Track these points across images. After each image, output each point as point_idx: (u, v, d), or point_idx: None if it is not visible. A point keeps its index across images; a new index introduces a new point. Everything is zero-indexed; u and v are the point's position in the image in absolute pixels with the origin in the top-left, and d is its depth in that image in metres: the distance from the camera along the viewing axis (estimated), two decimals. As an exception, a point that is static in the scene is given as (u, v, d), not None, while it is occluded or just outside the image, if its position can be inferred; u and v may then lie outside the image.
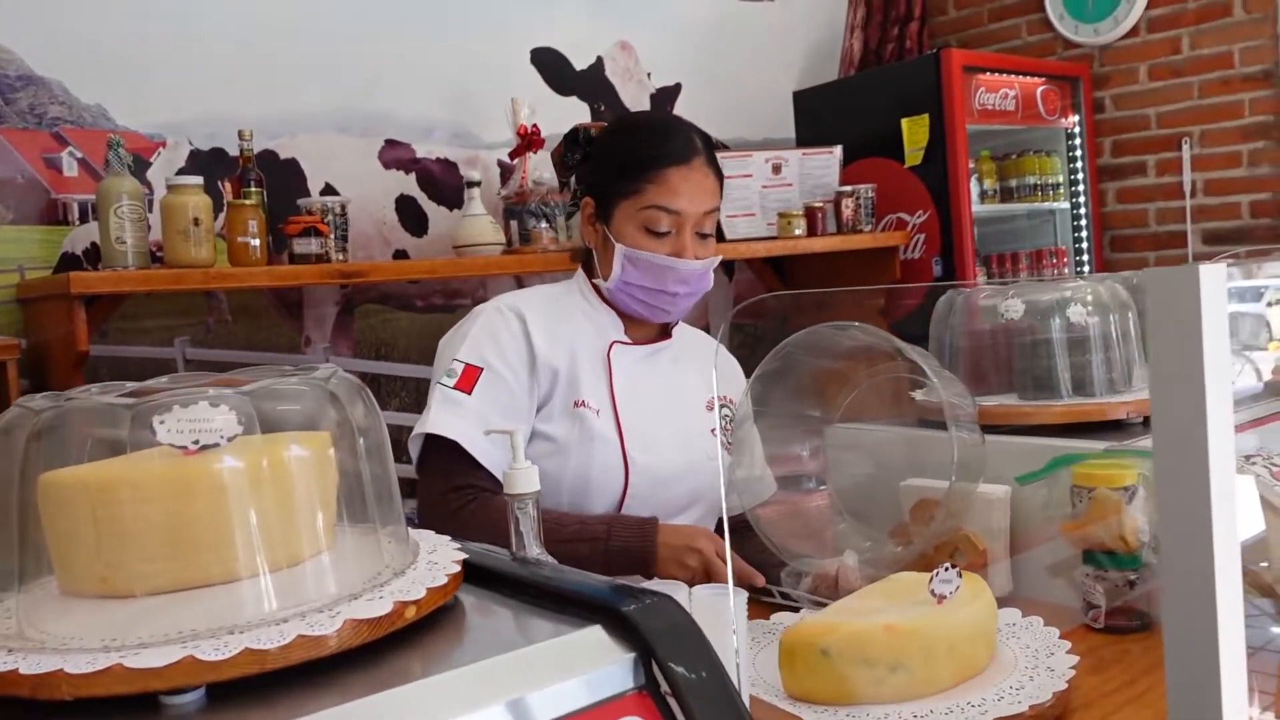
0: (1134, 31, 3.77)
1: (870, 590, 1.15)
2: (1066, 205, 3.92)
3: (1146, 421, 1.47)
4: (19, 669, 0.66)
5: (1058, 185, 3.88)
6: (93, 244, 2.50)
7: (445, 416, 1.45)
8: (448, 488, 1.44)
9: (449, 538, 0.92)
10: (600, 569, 1.35)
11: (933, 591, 1.06)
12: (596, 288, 1.62)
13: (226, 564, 0.77)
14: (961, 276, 3.48)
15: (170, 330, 2.68)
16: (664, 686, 0.72)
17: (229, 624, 0.71)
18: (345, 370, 0.90)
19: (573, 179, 1.98)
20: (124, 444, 0.76)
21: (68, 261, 2.52)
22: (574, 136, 1.75)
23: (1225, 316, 0.51)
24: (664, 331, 1.66)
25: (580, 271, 1.67)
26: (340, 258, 2.58)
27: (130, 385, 0.88)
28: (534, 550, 0.98)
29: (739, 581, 1.32)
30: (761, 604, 1.36)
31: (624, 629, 0.74)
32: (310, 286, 2.80)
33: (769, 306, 3.77)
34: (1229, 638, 0.54)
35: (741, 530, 1.48)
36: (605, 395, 1.54)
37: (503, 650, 0.73)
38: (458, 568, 0.84)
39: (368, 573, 0.81)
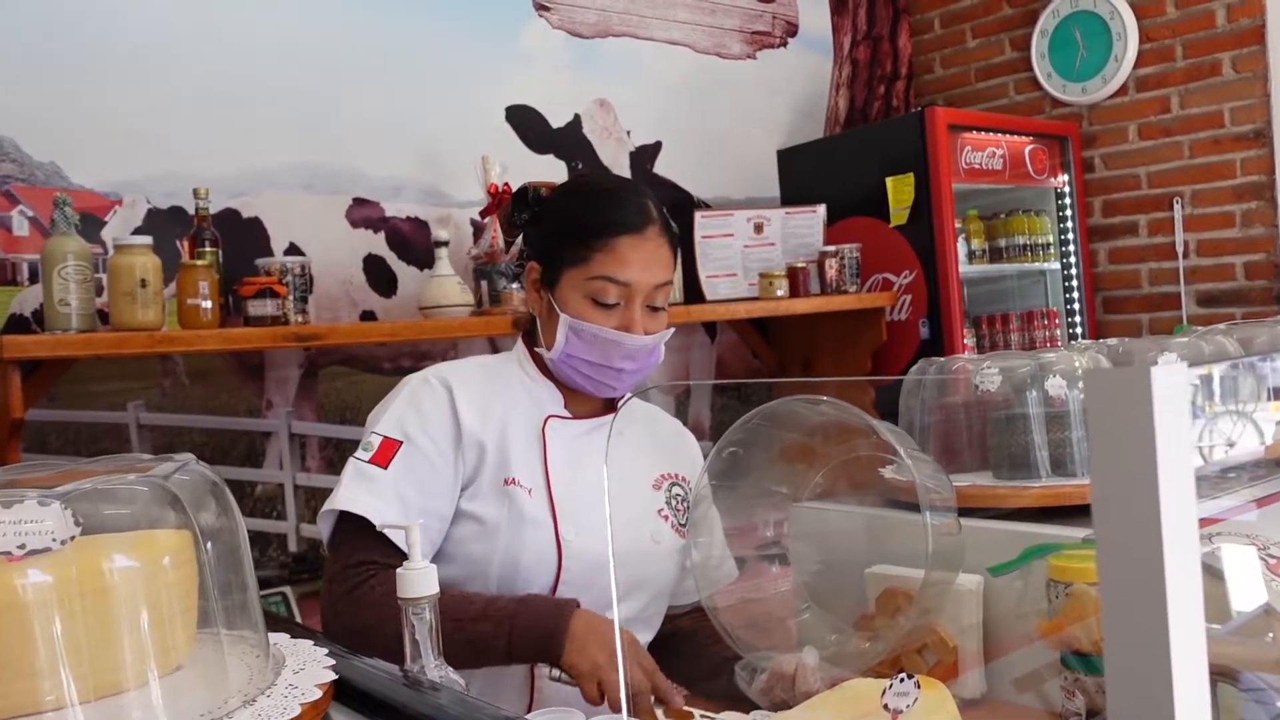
0: (1123, 90, 3.71)
1: (819, 701, 1.03)
2: (1058, 266, 3.83)
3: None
4: None
5: (1048, 245, 3.80)
6: (41, 305, 2.40)
7: (356, 492, 1.34)
8: (347, 564, 1.33)
9: (324, 651, 0.81)
10: (503, 653, 1.24)
11: (886, 706, 0.94)
12: (537, 358, 1.51)
13: (37, 692, 0.66)
14: (949, 338, 3.38)
15: (123, 394, 2.58)
16: None
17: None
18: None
19: (519, 240, 1.88)
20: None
21: (16, 323, 2.42)
22: (522, 195, 1.66)
23: (1185, 428, 0.41)
24: (608, 405, 1.54)
25: (520, 342, 1.56)
26: (300, 319, 2.48)
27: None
28: (431, 663, 0.86)
29: (657, 697, 1.20)
30: (706, 701, 1.24)
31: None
32: (269, 349, 2.70)
33: (756, 369, 3.68)
34: None
35: (690, 619, 1.37)
36: (539, 473, 1.42)
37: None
38: (319, 693, 0.72)
39: (209, 702, 0.69)
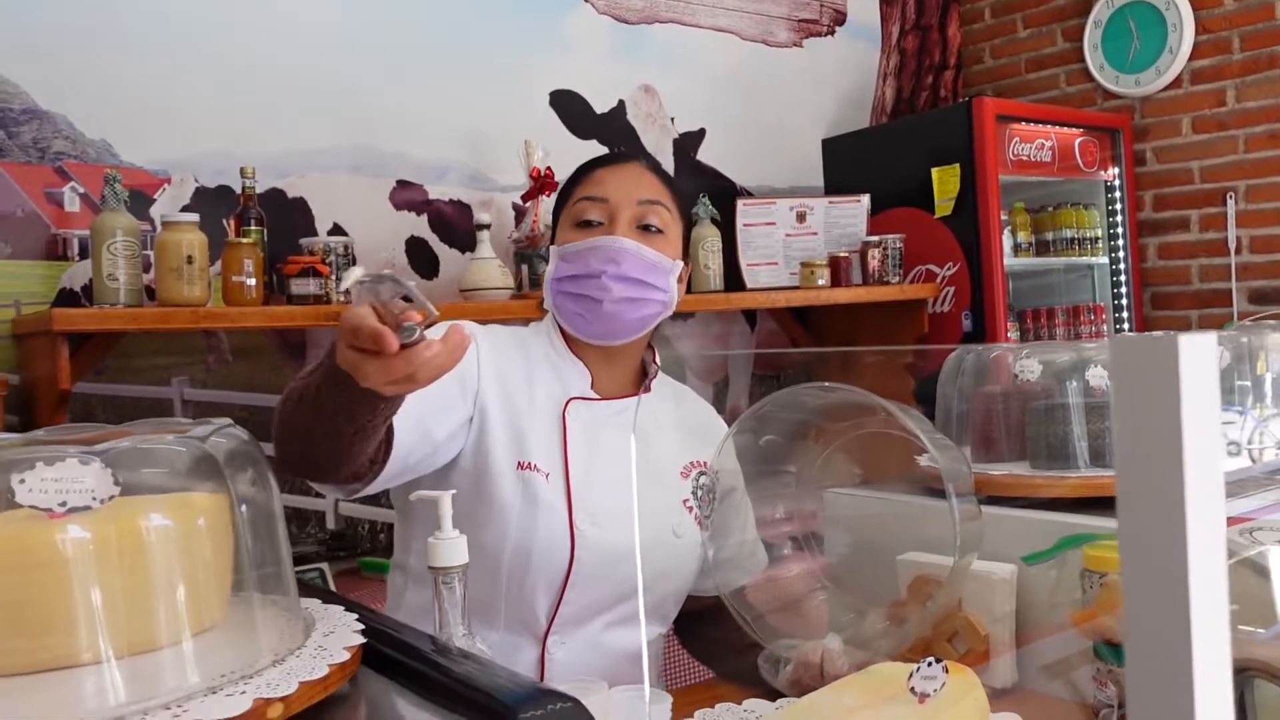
0: (1177, 83, 3.64)
1: (846, 683, 1.03)
2: (1105, 260, 3.77)
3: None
4: None
5: (1096, 239, 3.74)
6: (91, 280, 2.45)
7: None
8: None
9: (354, 616, 0.82)
10: (325, 368, 1.03)
11: (913, 689, 0.94)
12: (566, 337, 1.45)
13: (74, 647, 0.67)
14: (992, 331, 3.34)
15: (167, 370, 2.62)
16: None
17: (73, 716, 0.62)
18: None
19: None
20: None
21: (66, 297, 2.47)
22: None
23: (1215, 401, 0.40)
24: (638, 385, 1.48)
25: (550, 319, 1.49)
26: (340, 299, 2.50)
27: (9, 437, 0.80)
28: (459, 632, 0.87)
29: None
30: (729, 686, 1.24)
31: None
32: (311, 328, 2.73)
33: (792, 359, 3.66)
34: None
35: (715, 609, 1.34)
36: (558, 458, 1.36)
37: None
38: (347, 655, 0.73)
39: (239, 660, 0.70)
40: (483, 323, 1.44)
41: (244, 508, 0.75)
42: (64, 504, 0.69)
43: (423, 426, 1.26)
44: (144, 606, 0.69)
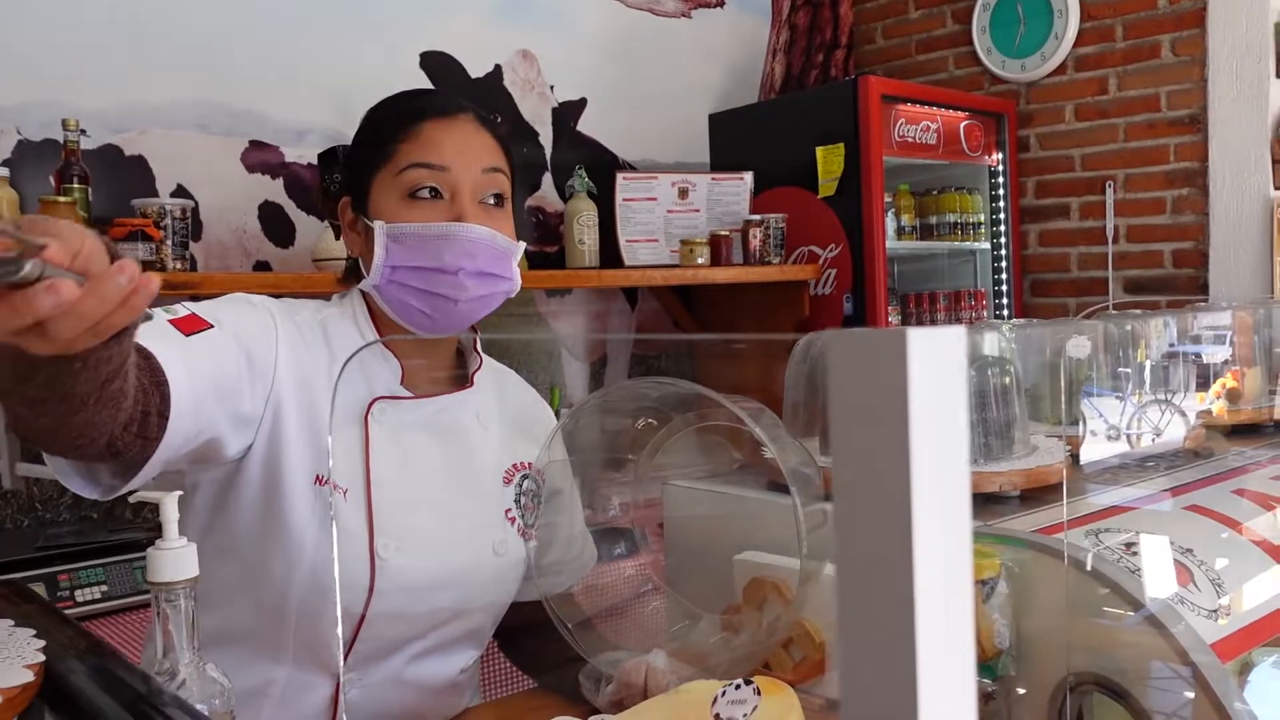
0: (1061, 69, 3.63)
1: (652, 706, 0.92)
2: (988, 246, 3.76)
3: (1025, 496, 1.27)
4: None
5: (979, 225, 3.72)
6: (-109, 239, 2.22)
7: (146, 336, 0.97)
8: None
9: (33, 633, 0.68)
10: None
11: (717, 716, 0.84)
12: (375, 315, 1.24)
13: None
14: (873, 315, 3.30)
15: (-15, 339, 2.40)
16: None
17: None
18: None
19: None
20: None
21: None
22: (332, 155, 1.42)
23: (963, 407, 0.30)
24: (461, 379, 1.30)
25: (358, 297, 1.26)
26: (179, 266, 2.32)
27: None
28: (185, 659, 0.74)
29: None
30: (550, 697, 1.13)
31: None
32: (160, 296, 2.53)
33: (675, 342, 3.57)
34: None
35: (534, 620, 1.21)
36: (358, 471, 1.16)
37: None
38: (21, 685, 0.60)
39: None
40: (279, 298, 1.25)
41: None
42: None
43: (212, 427, 1.08)
44: None
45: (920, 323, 3.57)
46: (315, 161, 2.86)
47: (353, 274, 1.28)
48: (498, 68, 3.24)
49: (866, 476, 0.30)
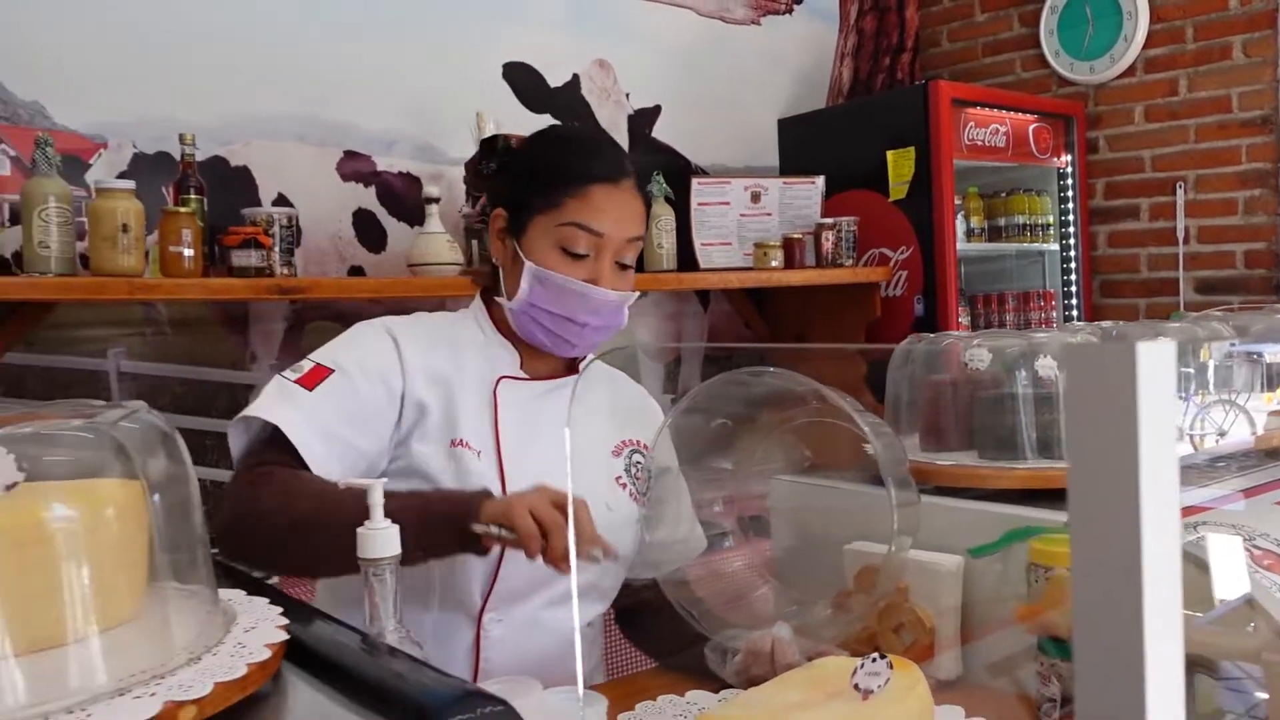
0: (1130, 71, 3.66)
1: (788, 678, 1.00)
2: (1056, 247, 3.80)
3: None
4: None
5: (1048, 226, 3.76)
6: (20, 247, 2.36)
7: (274, 404, 1.26)
8: (252, 466, 1.25)
9: (279, 610, 0.78)
10: (411, 533, 1.01)
11: (856, 685, 0.92)
12: (496, 315, 1.45)
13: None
14: (944, 315, 3.35)
15: (104, 341, 2.54)
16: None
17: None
18: None
19: (483, 196, 1.77)
20: None
21: (-4, 265, 2.38)
22: (491, 144, 1.59)
23: (1170, 408, 0.38)
24: (569, 366, 1.48)
25: (478, 298, 1.49)
26: (285, 271, 2.44)
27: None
28: (390, 625, 0.84)
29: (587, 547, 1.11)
30: (674, 675, 1.22)
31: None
32: (251, 301, 2.67)
33: (748, 339, 3.64)
34: None
35: (653, 601, 1.33)
36: (489, 435, 1.36)
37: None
38: (268, 653, 0.70)
39: (150, 659, 0.66)
40: (436, 303, 1.40)
41: (156, 496, 0.70)
42: (-39, 491, 0.65)
43: (362, 460, 1.31)
44: (46, 601, 0.65)
45: (989, 324, 3.62)
46: (405, 170, 2.98)
47: (487, 281, 1.47)
48: (575, 77, 3.34)
49: (1101, 467, 0.37)
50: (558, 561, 1.09)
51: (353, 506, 0.95)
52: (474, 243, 2.77)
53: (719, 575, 1.36)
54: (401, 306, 2.92)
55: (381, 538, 0.85)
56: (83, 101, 2.49)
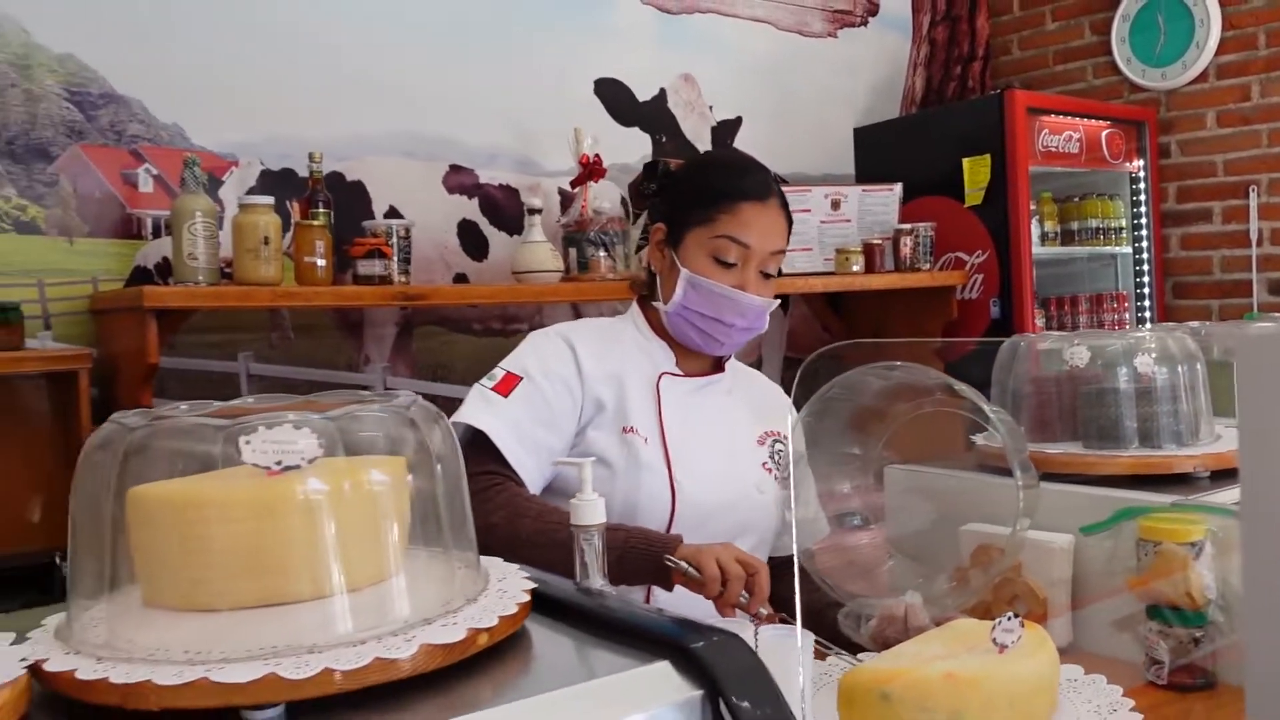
0: (1202, 77, 3.73)
1: (928, 636, 1.14)
2: (1129, 250, 3.88)
3: (1214, 476, 1.45)
4: (109, 678, 0.68)
5: (1120, 229, 3.84)
6: (164, 258, 2.56)
7: (478, 411, 1.49)
8: (472, 472, 1.44)
9: (517, 566, 0.93)
10: (613, 562, 1.24)
11: (994, 640, 1.05)
12: (652, 319, 1.65)
13: (306, 583, 0.78)
14: (1020, 318, 3.45)
15: (235, 345, 2.73)
16: (730, 725, 0.72)
17: (308, 643, 0.73)
18: (400, 389, 0.91)
19: (644, 213, 2.00)
20: (214, 461, 0.78)
21: (139, 275, 2.58)
22: (653, 168, 1.76)
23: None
24: (716, 365, 1.67)
25: (635, 304, 1.69)
26: (403, 280, 2.62)
27: (216, 405, 0.90)
28: (597, 581, 0.99)
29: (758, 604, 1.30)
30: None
31: (692, 666, 0.75)
32: (371, 307, 2.85)
33: (825, 342, 3.76)
34: None
35: (787, 574, 1.48)
36: (654, 424, 1.55)
37: (571, 682, 0.74)
38: (527, 597, 0.85)
39: (441, 598, 0.82)
40: (534, 309, 1.57)
41: (439, 467, 0.86)
42: (279, 463, 0.81)
43: (552, 456, 1.52)
44: (360, 550, 0.81)
45: (1062, 326, 3.71)
46: (505, 182, 3.15)
47: (642, 289, 1.67)
48: (662, 91, 3.49)
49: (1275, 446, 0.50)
50: (725, 607, 1.28)
51: (565, 529, 1.14)
52: (572, 250, 2.92)
53: (849, 551, 1.50)
54: (504, 312, 3.10)
55: (590, 507, 1.00)
56: (217, 123, 2.69)
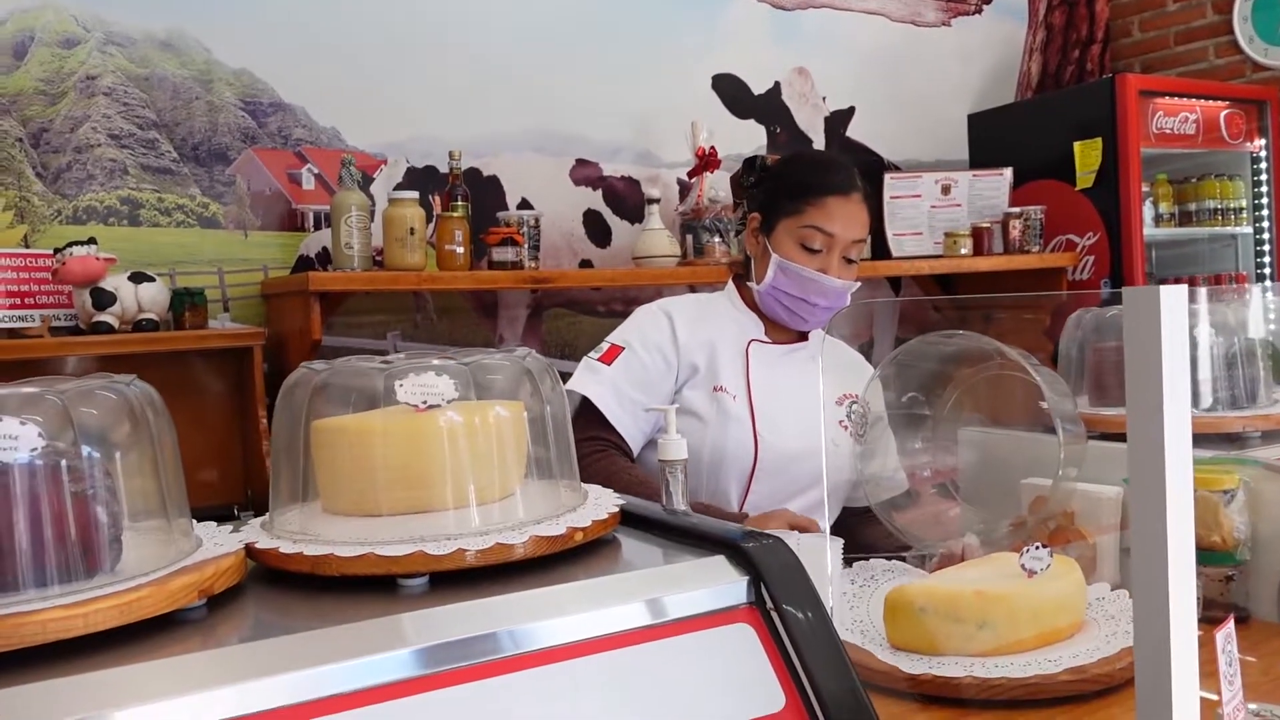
0: (1327, 54, 3.69)
1: (972, 564, 1.31)
2: (1250, 230, 3.86)
3: (1265, 436, 1.57)
4: (304, 551, 0.93)
5: (1240, 210, 3.83)
6: (324, 248, 2.88)
7: (585, 379, 1.74)
8: (580, 438, 1.64)
9: (609, 491, 1.15)
10: None
11: (1023, 566, 1.22)
12: (745, 295, 1.86)
13: (447, 495, 1.02)
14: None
15: (383, 325, 3.04)
16: (769, 604, 0.92)
17: (448, 533, 0.96)
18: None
19: (744, 202, 2.23)
20: (378, 399, 1.02)
21: (303, 263, 2.91)
22: (751, 163, 1.98)
23: (1183, 332, 0.68)
24: (800, 335, 1.87)
25: (731, 282, 1.92)
26: (533, 265, 2.87)
27: (379, 358, 1.15)
28: (680, 506, 1.20)
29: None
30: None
31: (742, 559, 0.95)
32: (505, 290, 3.12)
33: (933, 321, 3.88)
34: (1179, 608, 0.70)
35: (865, 517, 1.67)
36: (742, 383, 1.77)
37: (648, 566, 0.96)
38: (616, 509, 1.07)
39: (549, 508, 1.04)
40: (654, 291, 1.80)
41: (548, 408, 1.08)
42: (425, 402, 1.04)
43: (651, 416, 1.75)
44: (487, 470, 1.04)
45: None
46: (627, 174, 3.38)
47: (739, 269, 1.84)
48: (777, 84, 3.66)
49: (1145, 389, 0.68)
50: None
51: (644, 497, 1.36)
52: (688, 236, 3.13)
53: (919, 501, 1.68)
54: (625, 295, 3.33)
55: (675, 444, 1.21)
56: (368, 125, 3.00)
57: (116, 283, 2.39)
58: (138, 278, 2.43)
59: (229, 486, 2.78)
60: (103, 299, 2.35)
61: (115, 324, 2.37)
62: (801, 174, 1.81)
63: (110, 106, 2.67)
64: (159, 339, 2.44)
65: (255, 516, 1.11)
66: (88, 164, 2.65)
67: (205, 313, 2.59)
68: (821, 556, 1.07)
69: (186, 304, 2.53)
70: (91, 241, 2.35)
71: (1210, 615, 1.42)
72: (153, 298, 2.44)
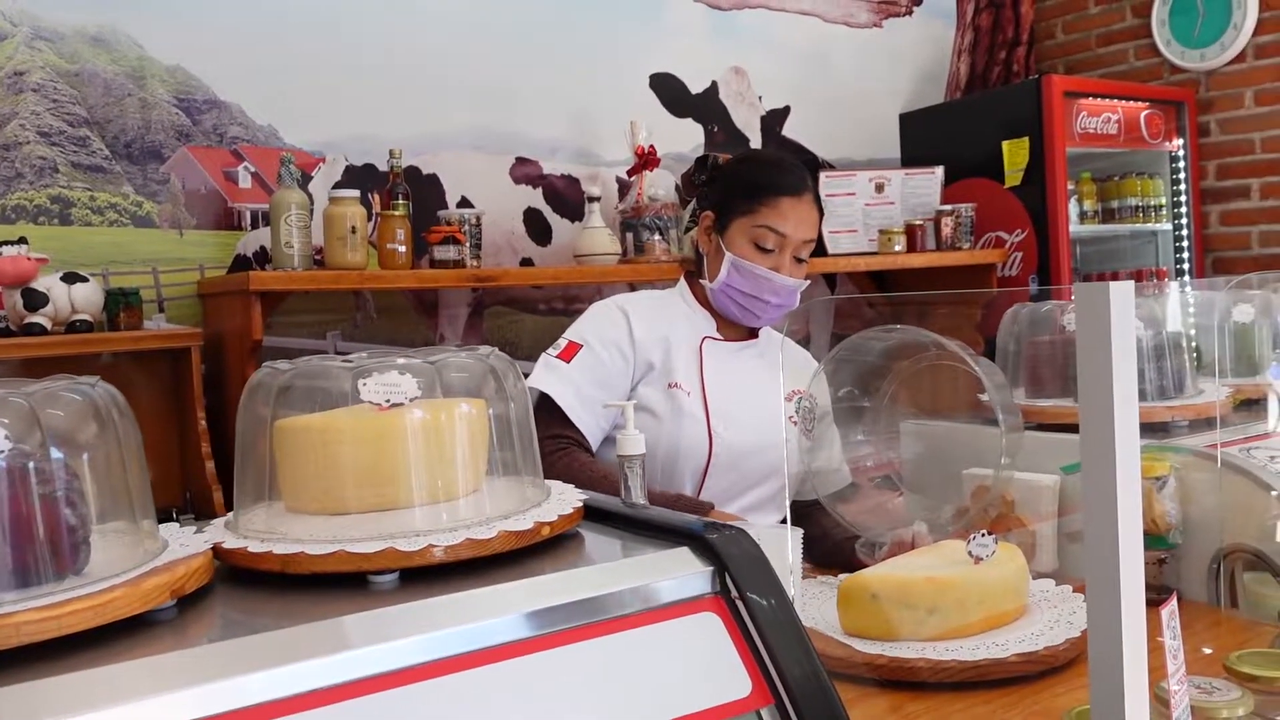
0: (1240, 57, 3.84)
1: (921, 551, 1.36)
2: (1169, 226, 4.00)
3: (1192, 425, 1.64)
4: (273, 550, 0.93)
5: (1160, 207, 3.96)
6: (262, 247, 2.85)
7: (545, 377, 1.76)
8: (542, 435, 1.68)
9: (572, 488, 1.17)
10: None
11: (970, 553, 1.27)
12: (698, 292, 1.89)
13: (413, 491, 1.03)
14: (1057, 295, 3.60)
15: (323, 325, 3.01)
16: (734, 593, 0.95)
17: (417, 530, 0.97)
18: None
19: (694, 200, 2.26)
20: (343, 398, 1.03)
21: (240, 262, 2.87)
22: (703, 161, 1.99)
23: (1131, 325, 0.72)
24: (751, 333, 1.91)
25: (683, 279, 1.94)
26: (475, 264, 2.87)
27: (342, 357, 1.15)
28: (639, 499, 1.22)
29: None
30: (830, 571, 1.58)
31: (706, 550, 0.98)
32: (445, 289, 3.11)
33: (868, 316, 3.95)
34: (1129, 584, 0.74)
35: (813, 510, 1.71)
36: (696, 380, 1.80)
37: (615, 559, 0.98)
38: (580, 504, 1.08)
39: (515, 504, 1.06)
40: (594, 289, 1.81)
41: (512, 405, 1.09)
42: (388, 400, 1.05)
43: (609, 412, 1.76)
44: (452, 467, 1.04)
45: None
46: (567, 173, 3.39)
47: (690, 266, 1.90)
48: (714, 83, 3.70)
49: (1097, 373, 0.71)
50: None
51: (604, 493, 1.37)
52: (629, 234, 3.15)
53: (863, 492, 1.72)
54: (566, 293, 3.34)
55: (633, 440, 1.24)
56: (306, 124, 2.97)
57: (49, 283, 2.34)
58: (70, 278, 2.38)
59: (166, 490, 2.73)
60: (34, 300, 2.30)
61: (48, 325, 2.32)
62: (755, 174, 1.84)
63: (39, 103, 2.61)
64: (93, 340, 2.40)
65: (195, 519, 1.11)
66: (15, 162, 2.59)
67: (140, 313, 2.55)
68: (783, 546, 1.10)
69: (121, 304, 2.49)
70: (22, 241, 2.30)
71: (1146, 597, 1.49)
72: (86, 298, 2.39)
